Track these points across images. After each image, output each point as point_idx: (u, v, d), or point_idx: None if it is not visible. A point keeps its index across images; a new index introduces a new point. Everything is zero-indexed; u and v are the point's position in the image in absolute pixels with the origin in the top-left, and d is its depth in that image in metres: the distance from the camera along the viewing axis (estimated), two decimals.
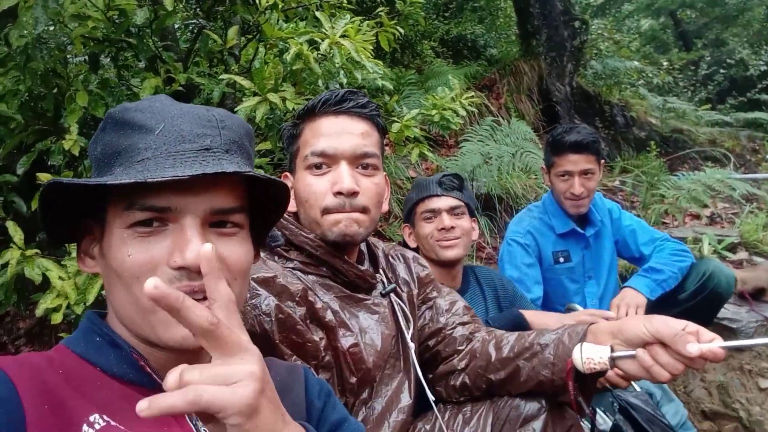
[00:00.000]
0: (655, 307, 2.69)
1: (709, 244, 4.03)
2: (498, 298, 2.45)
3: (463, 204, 2.39)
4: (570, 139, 2.69)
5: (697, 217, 4.98)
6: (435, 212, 2.36)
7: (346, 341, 1.40)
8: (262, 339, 1.25)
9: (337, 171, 1.43)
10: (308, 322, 1.36)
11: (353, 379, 1.41)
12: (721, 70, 11.64)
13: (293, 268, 1.44)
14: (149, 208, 0.83)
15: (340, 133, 1.44)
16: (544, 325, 2.05)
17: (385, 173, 1.56)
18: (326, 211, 1.42)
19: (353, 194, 1.41)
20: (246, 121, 1.16)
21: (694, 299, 2.48)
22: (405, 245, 2.43)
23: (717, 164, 6.43)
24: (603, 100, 7.13)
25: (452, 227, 2.32)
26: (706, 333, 1.17)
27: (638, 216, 4.76)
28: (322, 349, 1.36)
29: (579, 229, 2.83)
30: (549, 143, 2.83)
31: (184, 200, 0.84)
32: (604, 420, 1.84)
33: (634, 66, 8.54)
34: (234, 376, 0.69)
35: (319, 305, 1.39)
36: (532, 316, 2.26)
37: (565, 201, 2.77)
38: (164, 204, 0.83)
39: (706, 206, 5.06)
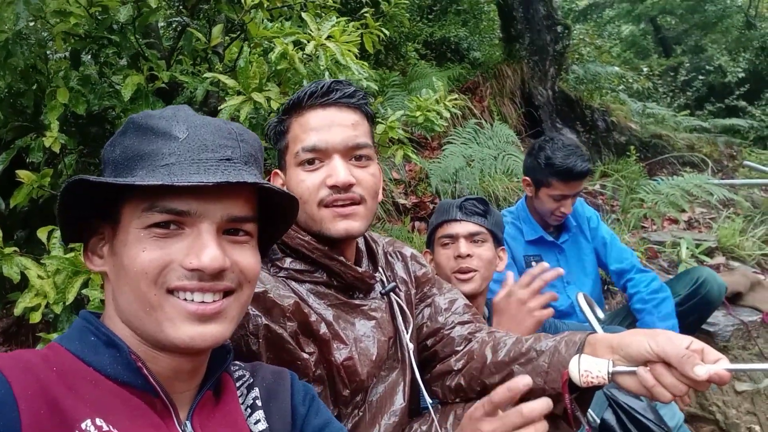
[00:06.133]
0: None
1: (687, 248, 4.09)
2: None
3: (485, 230, 2.16)
4: (579, 169, 2.61)
5: (675, 221, 5.05)
6: (453, 238, 2.16)
7: (340, 354, 1.37)
8: (246, 358, 1.22)
9: (330, 165, 1.38)
10: (299, 337, 1.33)
11: (346, 392, 1.38)
12: (700, 77, 11.85)
13: (286, 277, 1.40)
14: (169, 211, 0.85)
15: (329, 125, 1.39)
16: None
17: (377, 162, 1.51)
18: (322, 204, 1.38)
19: (349, 187, 1.37)
20: (230, 120, 1.16)
21: (685, 304, 2.51)
22: None
23: (695, 169, 6.53)
24: (584, 105, 7.21)
25: (468, 255, 2.10)
26: (711, 352, 1.11)
27: (618, 219, 4.84)
28: (312, 365, 1.33)
29: (547, 237, 2.84)
30: (551, 166, 2.65)
31: (204, 206, 0.86)
32: (592, 418, 1.82)
33: (615, 71, 8.64)
34: None
35: (312, 318, 1.35)
36: None
37: (551, 216, 2.77)
38: (185, 208, 0.85)
39: (684, 211, 5.14)
